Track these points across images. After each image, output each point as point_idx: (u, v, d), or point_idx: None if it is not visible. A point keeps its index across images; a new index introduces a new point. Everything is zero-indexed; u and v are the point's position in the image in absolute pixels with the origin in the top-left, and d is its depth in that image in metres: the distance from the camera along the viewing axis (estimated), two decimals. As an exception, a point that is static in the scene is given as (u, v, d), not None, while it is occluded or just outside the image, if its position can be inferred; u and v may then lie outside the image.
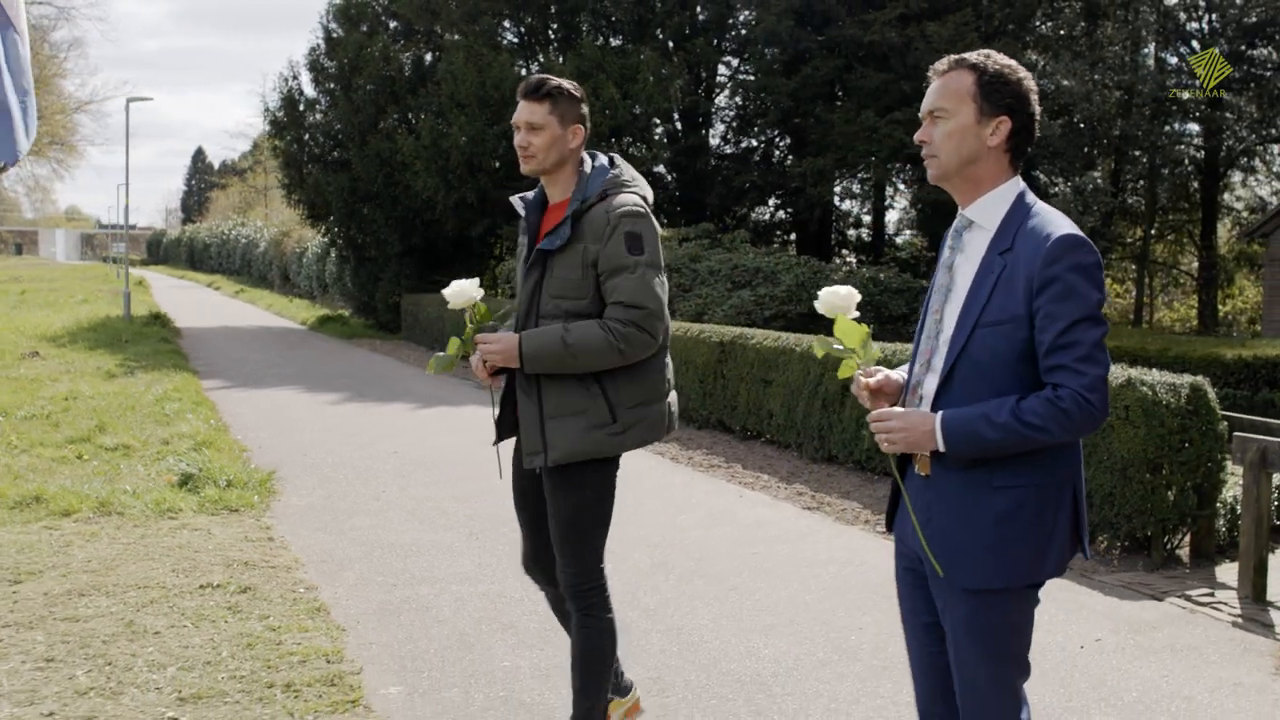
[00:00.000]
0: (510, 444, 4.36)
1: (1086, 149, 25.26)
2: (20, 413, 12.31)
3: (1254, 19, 24.11)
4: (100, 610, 5.94)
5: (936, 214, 25.28)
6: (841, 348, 3.18)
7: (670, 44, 26.27)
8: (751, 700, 4.96)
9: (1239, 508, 7.71)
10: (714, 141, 29.07)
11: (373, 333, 27.45)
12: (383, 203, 26.09)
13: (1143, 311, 29.15)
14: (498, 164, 24.29)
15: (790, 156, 27.73)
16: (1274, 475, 7.09)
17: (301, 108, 27.68)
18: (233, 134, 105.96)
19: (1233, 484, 7.75)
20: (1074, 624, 6.07)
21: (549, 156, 4.03)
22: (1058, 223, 2.97)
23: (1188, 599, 6.68)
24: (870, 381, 3.16)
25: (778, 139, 28.76)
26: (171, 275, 69.74)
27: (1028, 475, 2.95)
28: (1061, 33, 25.62)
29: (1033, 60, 25.95)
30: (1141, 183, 27.93)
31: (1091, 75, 24.57)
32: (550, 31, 28.16)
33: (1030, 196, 3.07)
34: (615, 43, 27.28)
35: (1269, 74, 25.11)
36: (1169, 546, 7.57)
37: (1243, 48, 24.88)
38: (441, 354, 4.07)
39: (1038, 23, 26.05)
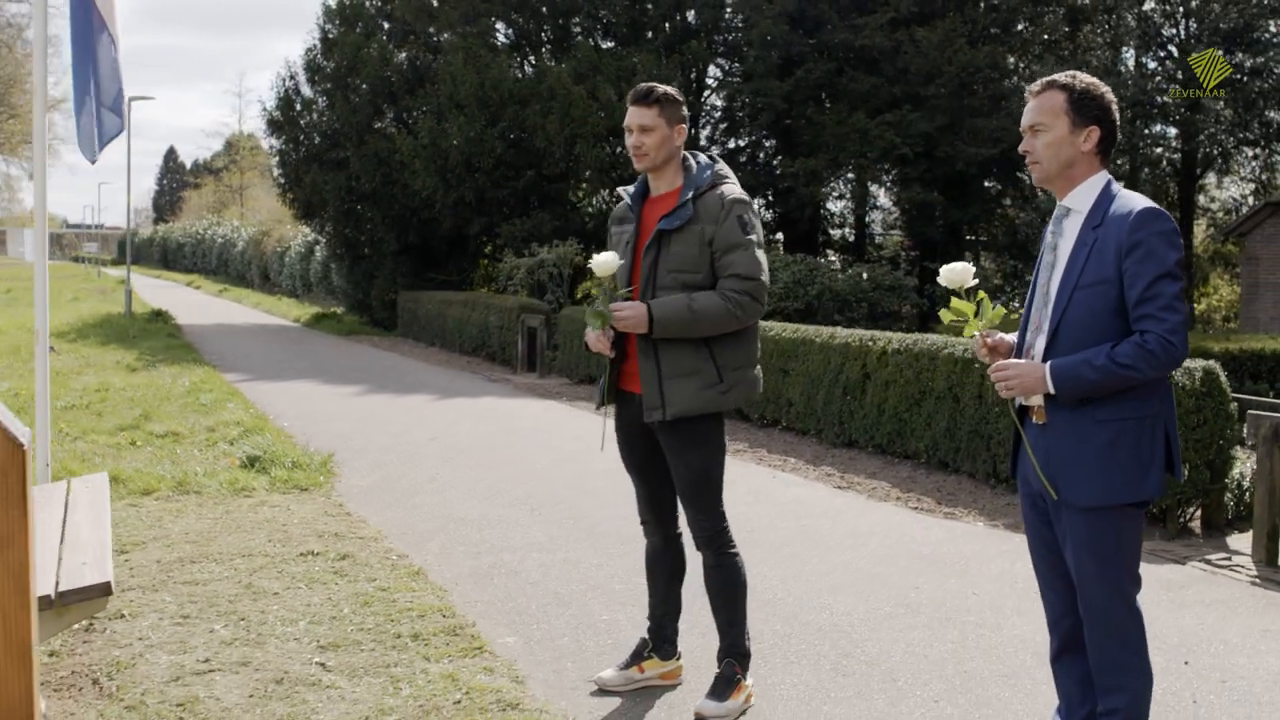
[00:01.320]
0: (594, 417, 4.89)
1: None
2: (59, 403, 12.71)
3: (1231, 24, 24.83)
4: (215, 575, 6.41)
5: (921, 215, 25.92)
6: (959, 319, 3.77)
7: (663, 47, 26.76)
8: (836, 645, 5.50)
9: (1245, 484, 8.32)
10: (701, 143, 29.60)
11: (369, 329, 27.84)
12: (379, 201, 26.51)
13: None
14: (495, 163, 24.77)
15: (779, 157, 28.30)
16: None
17: (298, 107, 28.04)
18: (208, 133, 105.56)
19: (1239, 463, 8.33)
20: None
21: (659, 154, 4.61)
22: (1138, 200, 3.60)
23: (1208, 563, 7.26)
24: (988, 341, 3.73)
25: (764, 139, 29.30)
26: (148, 275, 69.68)
27: (1125, 410, 3.53)
28: (1045, 37, 26.29)
29: (1014, 64, 26.63)
30: (1121, 184, 28.61)
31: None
32: (543, 34, 28.65)
33: (1115, 185, 3.69)
34: (608, 45, 27.81)
35: (1244, 78, 25.86)
36: (1182, 519, 8.14)
37: (1220, 53, 25.61)
38: (592, 317, 4.54)
39: (1020, 27, 26.70)
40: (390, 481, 9.31)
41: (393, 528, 7.71)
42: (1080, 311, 3.56)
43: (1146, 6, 26.95)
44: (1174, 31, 27.14)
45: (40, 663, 4.71)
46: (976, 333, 3.74)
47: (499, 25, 28.27)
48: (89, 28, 7.00)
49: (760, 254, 4.56)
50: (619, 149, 26.29)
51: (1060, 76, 3.71)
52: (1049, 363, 3.56)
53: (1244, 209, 29.21)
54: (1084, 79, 3.68)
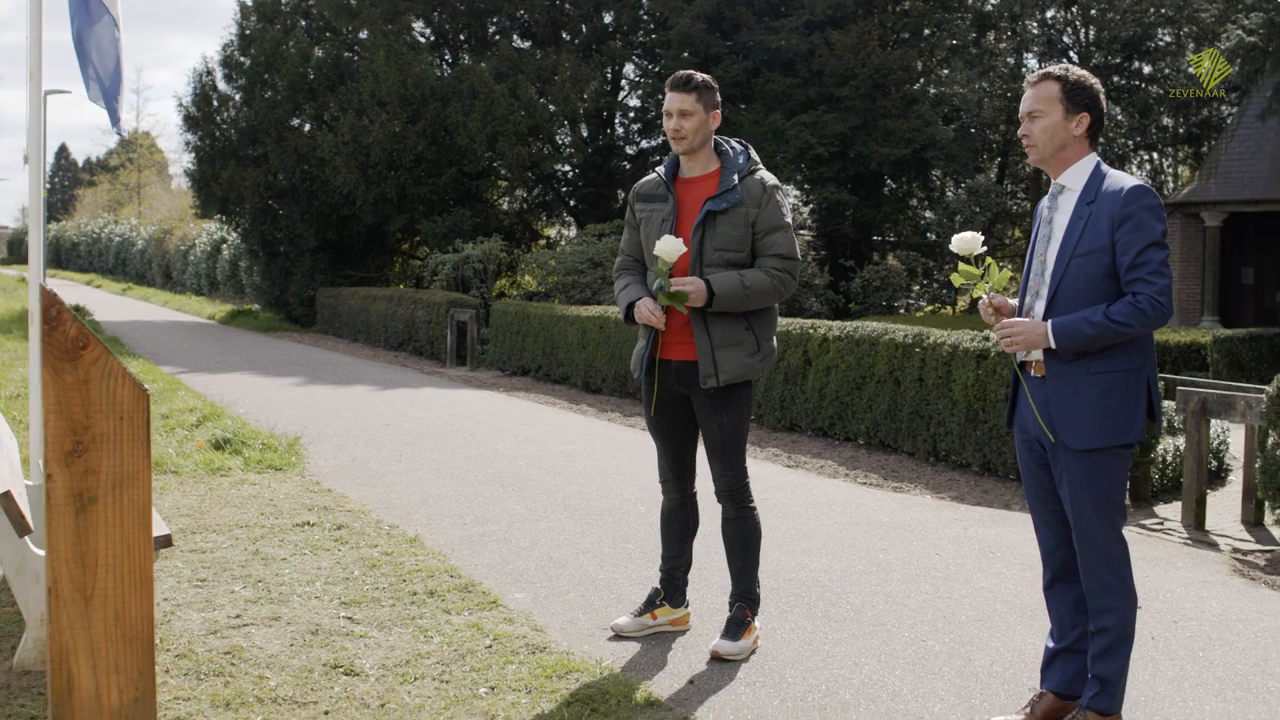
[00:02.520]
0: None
1: (976, 153, 26.81)
2: (4, 393, 12.74)
3: (1129, 33, 25.88)
4: (219, 544, 6.67)
5: (832, 213, 26.59)
6: (969, 281, 4.22)
7: (582, 47, 27.13)
8: (823, 597, 5.94)
9: (1169, 458, 8.93)
10: (615, 143, 30.02)
11: (287, 326, 27.79)
12: (298, 198, 26.55)
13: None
14: (416, 160, 24.97)
15: (689, 157, 28.82)
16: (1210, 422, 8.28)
17: (216, 103, 27.91)
18: (104, 130, 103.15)
19: (1162, 439, 8.93)
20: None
21: (697, 138, 5.01)
22: (1128, 179, 4.09)
23: (1142, 527, 7.84)
24: (994, 301, 4.19)
25: (674, 141, 29.71)
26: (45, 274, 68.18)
27: (1115, 363, 4.02)
28: (953, 42, 27.14)
29: (921, 67, 27.45)
30: (1025, 184, 29.64)
31: (979, 83, 26.14)
32: (460, 34, 28.88)
33: (1104, 166, 4.15)
34: (523, 45, 28.14)
35: (1141, 84, 26.97)
36: (1113, 491, 8.72)
37: (1119, 60, 26.68)
38: (672, 298, 4.89)
39: (928, 32, 27.53)
40: (358, 463, 9.58)
41: (375, 502, 8.00)
42: (1077, 276, 4.03)
43: (1049, 14, 27.95)
44: (1075, 39, 28.17)
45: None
46: (984, 294, 4.19)
47: (418, 24, 28.45)
48: (87, 16, 7.23)
49: (793, 236, 5.02)
50: (539, 147, 26.66)
51: (1055, 69, 4.18)
52: (1050, 320, 4.02)
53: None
54: (1076, 71, 4.15)
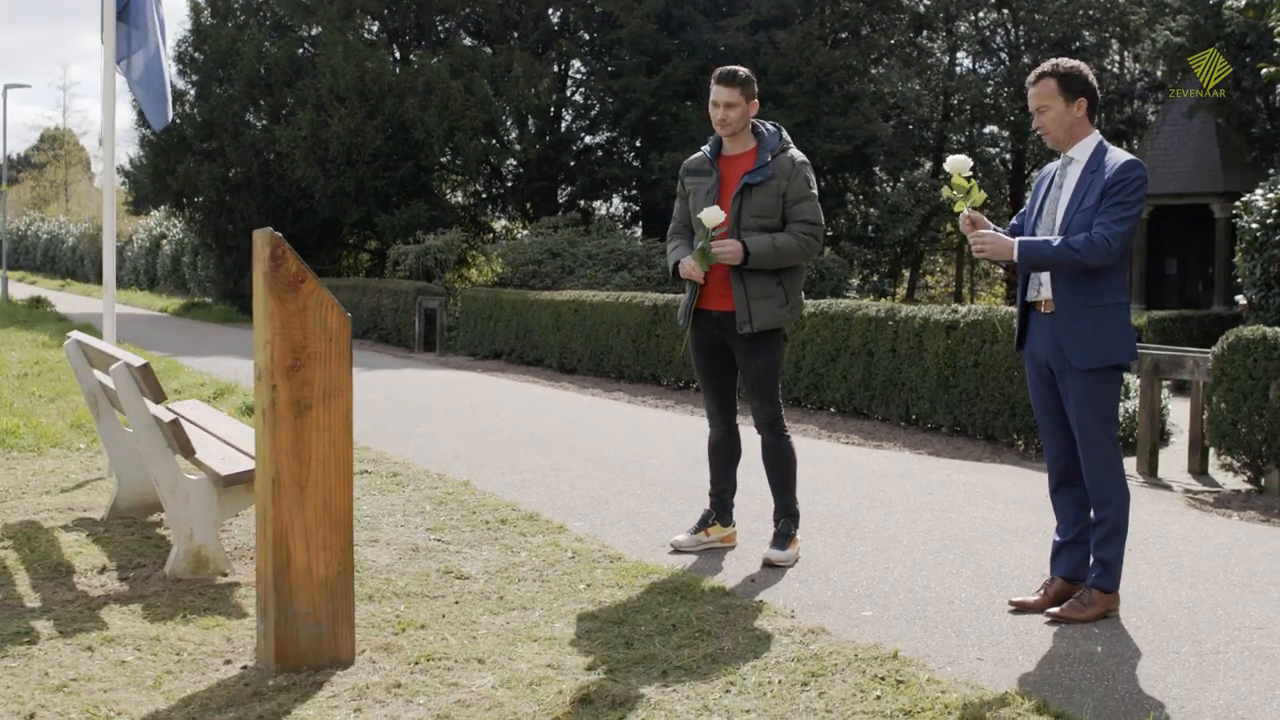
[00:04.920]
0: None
1: (914, 149, 27.97)
2: (12, 373, 13.26)
3: (1058, 34, 27.19)
4: (292, 488, 7.39)
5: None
6: (956, 194, 5.05)
7: (533, 46, 27.88)
8: (840, 523, 6.82)
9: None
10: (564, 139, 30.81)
11: (243, 318, 28.19)
12: (254, 191, 27.06)
13: (961, 296, 32.27)
14: (374, 154, 25.60)
15: (633, 153, 29.75)
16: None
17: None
18: (30, 127, 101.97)
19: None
20: (1032, 487, 8.06)
21: (739, 124, 5.87)
22: (1122, 155, 5.01)
23: (1103, 474, 8.81)
24: (971, 216, 5.01)
25: (620, 138, 30.59)
26: (-30, 271, 67.52)
27: (1110, 296, 4.93)
28: (890, 42, 28.26)
29: (858, 65, 28.54)
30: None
31: (913, 82, 27.28)
32: (408, 35, 29.53)
33: (1105, 142, 5.04)
34: (470, 43, 28.86)
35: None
36: (1072, 446, 9.70)
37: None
38: (700, 257, 5.73)
39: (865, 32, 28.62)
40: (380, 428, 10.31)
41: (414, 457, 8.75)
42: (1077, 228, 4.91)
43: (980, 15, 29.18)
44: (1006, 39, 29.43)
45: (220, 536, 5.72)
46: (965, 209, 5.01)
47: (369, 21, 29.06)
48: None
49: (818, 205, 5.87)
50: (492, 142, 27.41)
51: (1046, 66, 5.08)
52: (1018, 239, 4.89)
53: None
54: (1066, 63, 5.05)
